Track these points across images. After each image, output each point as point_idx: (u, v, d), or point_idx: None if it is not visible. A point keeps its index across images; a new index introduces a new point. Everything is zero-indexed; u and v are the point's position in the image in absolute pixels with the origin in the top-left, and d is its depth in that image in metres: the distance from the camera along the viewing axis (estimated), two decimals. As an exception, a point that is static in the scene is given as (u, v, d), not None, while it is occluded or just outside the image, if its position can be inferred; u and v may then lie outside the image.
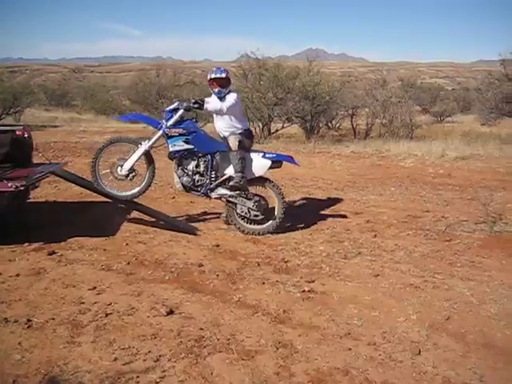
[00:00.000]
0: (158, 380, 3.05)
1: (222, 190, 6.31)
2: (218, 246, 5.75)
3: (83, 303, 4.14)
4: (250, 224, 6.34)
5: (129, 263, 5.13)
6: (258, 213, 6.28)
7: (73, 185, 7.19)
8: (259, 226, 6.32)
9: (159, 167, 11.21)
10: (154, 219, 6.47)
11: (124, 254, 5.40)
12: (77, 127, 23.93)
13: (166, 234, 6.13)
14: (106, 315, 3.91)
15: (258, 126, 18.13)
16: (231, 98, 6.22)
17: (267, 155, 6.35)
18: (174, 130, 6.19)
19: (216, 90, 6.34)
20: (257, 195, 6.38)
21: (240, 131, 6.30)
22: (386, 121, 18.78)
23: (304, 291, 4.45)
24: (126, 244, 5.75)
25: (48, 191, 8.43)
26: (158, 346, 3.47)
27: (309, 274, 4.90)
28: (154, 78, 30.46)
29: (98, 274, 4.81)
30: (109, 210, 7.08)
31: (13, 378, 3.04)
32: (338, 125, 22.30)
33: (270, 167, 6.31)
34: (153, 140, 6.23)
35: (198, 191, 6.35)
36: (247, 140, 6.37)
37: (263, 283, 4.65)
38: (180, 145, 6.21)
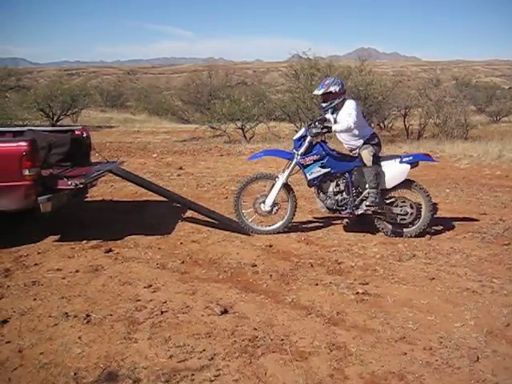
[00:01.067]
0: (213, 378, 3.08)
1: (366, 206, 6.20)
2: (271, 246, 5.76)
3: (139, 300, 4.23)
4: (399, 228, 6.24)
5: (183, 262, 5.21)
6: (405, 217, 6.19)
7: (128, 184, 7.35)
8: (408, 229, 6.21)
9: (210, 167, 11.38)
10: (207, 219, 6.52)
11: (178, 253, 5.48)
12: (131, 127, 24.47)
13: (220, 234, 6.19)
14: (162, 313, 3.98)
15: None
16: (351, 109, 6.00)
17: (404, 159, 6.18)
18: (308, 159, 6.13)
19: (323, 105, 6.26)
20: (402, 199, 6.27)
21: (366, 138, 6.14)
22: (440, 121, 18.40)
23: (358, 293, 4.41)
24: (181, 243, 5.83)
25: (104, 190, 8.65)
26: (213, 344, 3.51)
27: (362, 276, 4.85)
28: (206, 79, 30.82)
29: (153, 272, 4.90)
30: (163, 209, 7.21)
31: (74, 371, 3.14)
32: (390, 125, 21.99)
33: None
34: (289, 171, 6.21)
35: (344, 210, 6.26)
36: (377, 147, 6.20)
37: (316, 284, 4.63)
38: (317, 171, 6.14)
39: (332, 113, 6.21)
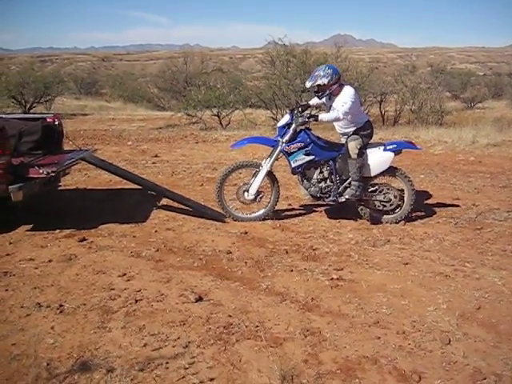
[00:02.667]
0: (187, 366, 3.08)
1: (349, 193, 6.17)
2: (246, 233, 5.75)
3: (113, 289, 4.20)
4: (383, 214, 6.25)
5: (158, 250, 5.17)
6: (387, 204, 6.19)
7: (102, 172, 7.27)
8: (391, 216, 6.23)
9: (185, 154, 11.30)
10: (182, 206, 6.48)
11: (153, 241, 5.45)
12: (106, 115, 24.14)
13: (195, 222, 6.15)
14: (136, 301, 3.96)
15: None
16: (347, 98, 5.89)
17: (388, 147, 6.15)
18: (292, 147, 6.07)
19: (317, 94, 6.21)
20: (384, 186, 6.27)
21: (359, 126, 6.07)
22: (415, 107, 18.54)
23: (332, 279, 4.43)
24: (155, 231, 5.79)
25: (78, 179, 8.54)
26: (187, 332, 3.50)
27: (337, 262, 4.88)
28: (182, 66, 30.55)
29: (128, 261, 4.86)
30: (138, 197, 7.15)
31: (46, 362, 3.10)
32: (366, 111, 22.07)
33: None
34: (273, 159, 6.14)
35: (328, 198, 6.23)
36: (367, 139, 6.12)
37: (291, 271, 4.65)
38: (301, 159, 6.10)
39: (329, 98, 6.16)
